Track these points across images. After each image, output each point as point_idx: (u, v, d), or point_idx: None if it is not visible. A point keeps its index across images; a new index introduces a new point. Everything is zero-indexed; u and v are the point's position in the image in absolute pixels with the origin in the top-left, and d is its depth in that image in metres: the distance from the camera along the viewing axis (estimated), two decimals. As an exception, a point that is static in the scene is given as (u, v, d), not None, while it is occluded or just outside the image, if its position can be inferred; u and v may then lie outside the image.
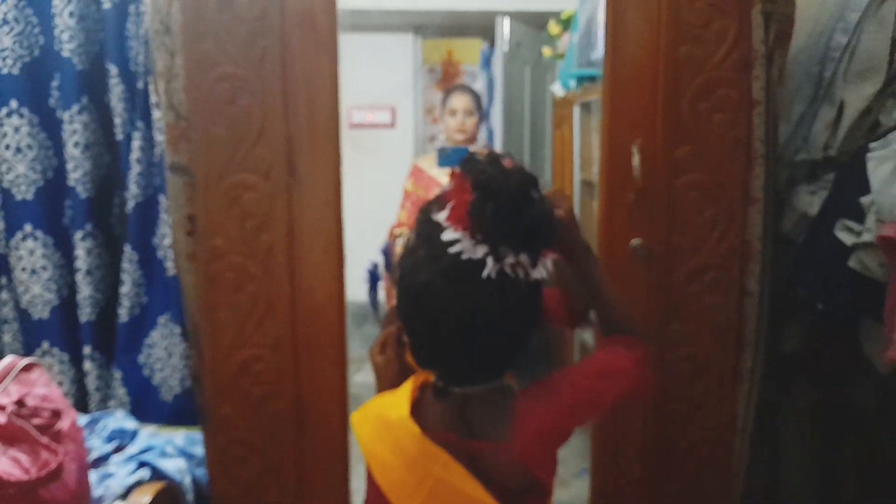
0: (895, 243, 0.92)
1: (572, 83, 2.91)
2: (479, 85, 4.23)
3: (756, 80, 1.22)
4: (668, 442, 1.36)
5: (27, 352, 1.78)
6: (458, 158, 2.42)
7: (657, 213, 1.30)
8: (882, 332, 1.14)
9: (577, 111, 2.99)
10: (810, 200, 1.32)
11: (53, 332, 1.78)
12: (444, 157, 2.24)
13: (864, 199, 1.02)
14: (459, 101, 2.41)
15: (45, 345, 1.77)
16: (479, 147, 2.53)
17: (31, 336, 1.79)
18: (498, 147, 3.53)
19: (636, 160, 1.26)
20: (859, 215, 1.05)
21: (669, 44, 1.23)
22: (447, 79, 4.60)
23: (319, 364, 1.32)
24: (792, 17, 1.24)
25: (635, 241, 1.30)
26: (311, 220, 1.29)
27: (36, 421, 1.20)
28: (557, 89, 3.21)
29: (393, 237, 2.49)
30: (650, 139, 1.27)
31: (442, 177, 2.41)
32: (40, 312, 1.77)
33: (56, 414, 1.24)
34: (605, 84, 1.28)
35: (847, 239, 1.07)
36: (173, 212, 1.31)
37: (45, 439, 1.17)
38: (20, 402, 1.18)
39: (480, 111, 2.47)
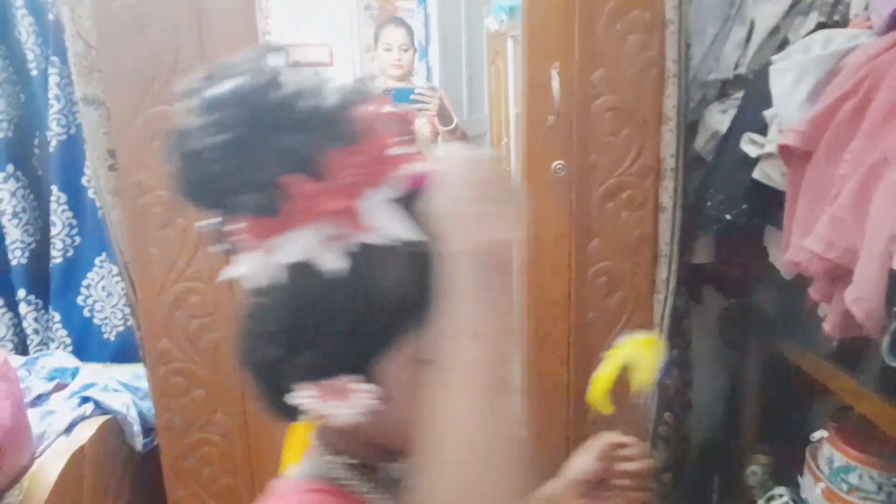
0: (793, 151, 0.99)
1: (504, 16, 2.89)
2: (416, 21, 4.15)
3: (668, -1, 1.26)
4: (588, 348, 1.45)
5: (-43, 298, 1.75)
6: (404, 99, 2.41)
7: (576, 136, 1.34)
8: (783, 239, 1.23)
9: (510, 44, 2.99)
10: (721, 119, 1.38)
11: (-18, 276, 1.75)
12: (391, 98, 2.23)
13: (768, 112, 1.08)
14: (394, 36, 2.38)
15: (-25, 290, 1.75)
16: (417, 83, 2.52)
17: (-41, 282, 1.76)
18: (436, 82, 3.50)
19: (556, 84, 1.29)
20: (764, 129, 1.12)
21: (585, -35, 1.25)
22: (383, 16, 4.49)
23: (254, 293, 1.35)
24: (701, -65, 1.27)
25: (557, 164, 1.35)
26: (236, 150, 1.28)
27: (-35, 361, 1.20)
28: (491, 23, 3.18)
29: None
30: (567, 63, 1.30)
31: None
32: (-34, 258, 1.73)
33: (-13, 353, 1.23)
34: (525, 11, 1.30)
35: (752, 151, 1.13)
36: (91, 147, 1.29)
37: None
38: (-52, 343, 1.18)
39: (414, 45, 2.44)
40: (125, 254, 1.34)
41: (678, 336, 1.47)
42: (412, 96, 2.22)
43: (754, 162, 1.17)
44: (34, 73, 1.67)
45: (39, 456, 1.32)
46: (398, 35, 2.38)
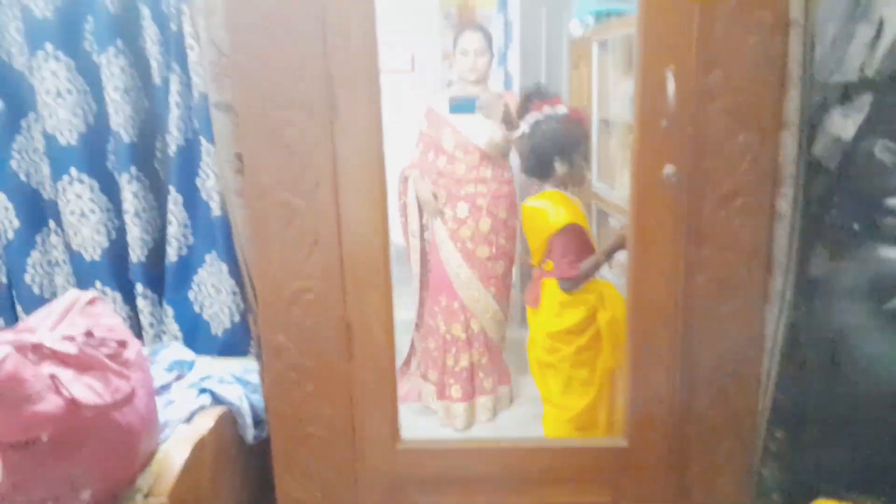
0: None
1: (590, 20, 2.88)
2: (496, 27, 4.17)
3: None
4: (695, 358, 1.42)
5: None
6: (469, 106, 2.50)
7: (689, 139, 1.32)
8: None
9: (595, 49, 2.97)
10: (843, 124, 1.33)
11: (105, 272, 1.87)
12: (456, 105, 2.27)
13: (906, 119, 1.04)
14: (470, 41, 2.41)
15: (98, 284, 1.87)
16: (490, 87, 2.54)
17: (83, 277, 1.88)
18: (515, 88, 3.51)
19: (671, 86, 1.28)
20: (897, 135, 1.07)
21: (705, -34, 1.23)
22: (463, 22, 4.54)
23: (366, 292, 1.39)
24: (830, -66, 1.23)
25: (668, 168, 1.33)
26: (355, 155, 1.33)
27: (104, 350, 1.28)
28: (574, 28, 3.17)
29: (404, 177, 2.54)
30: (683, 65, 1.29)
31: (455, 117, 2.43)
32: (91, 254, 1.85)
33: (122, 344, 1.32)
34: (640, 11, 1.29)
35: (888, 159, 1.09)
36: (220, 150, 1.36)
37: (115, 366, 1.26)
38: (88, 334, 1.26)
39: (491, 50, 2.46)
40: (246, 252, 1.40)
41: (795, 352, 1.42)
42: (477, 104, 2.25)
43: (890, 171, 1.12)
44: (157, 80, 1.77)
45: (164, 443, 1.40)
46: (475, 39, 2.41)
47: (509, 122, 2.31)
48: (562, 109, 1.93)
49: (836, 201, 1.23)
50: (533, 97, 1.95)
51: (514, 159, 3.18)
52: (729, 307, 1.40)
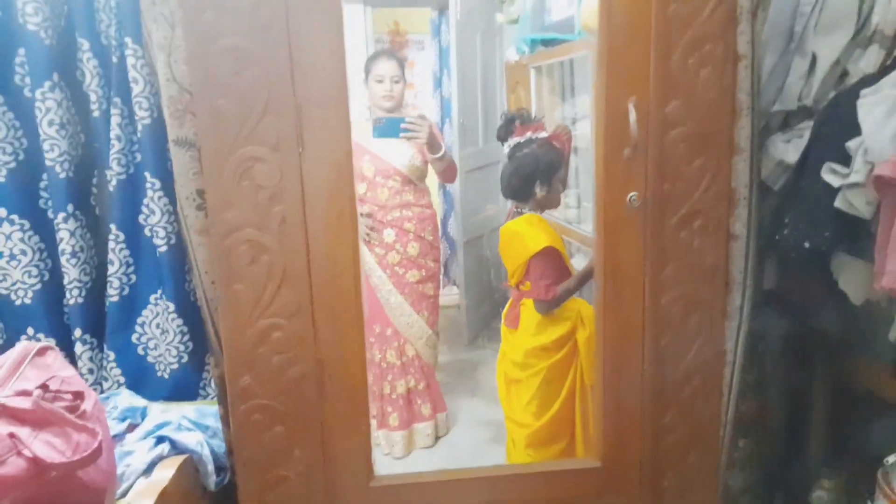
0: (888, 182, 1.03)
1: (526, 48, 2.97)
2: (430, 53, 4.22)
3: (742, 34, 1.30)
4: (663, 375, 1.47)
5: (11, 338, 1.73)
6: (394, 129, 2.50)
7: (650, 166, 1.38)
8: (856, 265, 1.27)
9: (532, 74, 3.07)
10: (785, 148, 1.43)
11: (37, 316, 1.73)
12: (380, 128, 2.26)
13: (851, 143, 1.13)
14: (385, 68, 2.43)
15: (30, 330, 1.73)
16: (407, 112, 2.57)
17: (12, 323, 1.74)
18: (453, 113, 3.56)
19: (633, 116, 1.33)
20: (843, 158, 1.16)
21: (660, 2, 1.29)
22: (394, 48, 4.56)
23: (339, 328, 1.36)
24: (774, -28, 1.33)
25: (632, 195, 1.38)
26: (324, 188, 1.30)
27: (60, 404, 1.19)
28: (511, 54, 3.26)
29: None
30: (643, 96, 1.34)
31: (372, 143, 2.42)
32: (22, 298, 1.72)
33: (79, 395, 1.23)
34: (601, 45, 1.34)
35: (834, 181, 1.18)
36: (181, 187, 1.30)
37: (78, 420, 1.17)
38: (43, 387, 1.17)
39: (405, 77, 2.49)
40: (208, 292, 1.34)
41: (753, 362, 1.49)
42: (402, 125, 2.27)
43: (835, 191, 1.21)
44: (96, 113, 1.68)
45: (121, 498, 1.31)
46: (390, 67, 2.44)
47: (433, 144, 2.34)
48: (542, 134, 1.97)
49: (787, 221, 1.31)
50: (515, 121, 1.99)
51: (433, 181, 3.20)
52: (693, 323, 1.46)
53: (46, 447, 1.08)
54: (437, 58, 4.08)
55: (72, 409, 1.18)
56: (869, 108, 1.10)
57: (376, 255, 2.46)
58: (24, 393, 1.09)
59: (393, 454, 2.52)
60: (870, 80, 1.19)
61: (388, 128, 2.26)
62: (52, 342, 1.75)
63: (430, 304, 2.54)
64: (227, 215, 1.29)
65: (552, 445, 1.98)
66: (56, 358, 1.25)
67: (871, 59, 1.36)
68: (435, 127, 2.41)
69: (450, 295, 3.77)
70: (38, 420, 1.10)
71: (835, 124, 1.21)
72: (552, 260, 1.95)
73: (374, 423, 2.55)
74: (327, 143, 1.29)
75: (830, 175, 1.21)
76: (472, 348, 3.48)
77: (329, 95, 1.28)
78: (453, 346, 3.38)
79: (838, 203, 1.20)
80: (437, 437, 2.60)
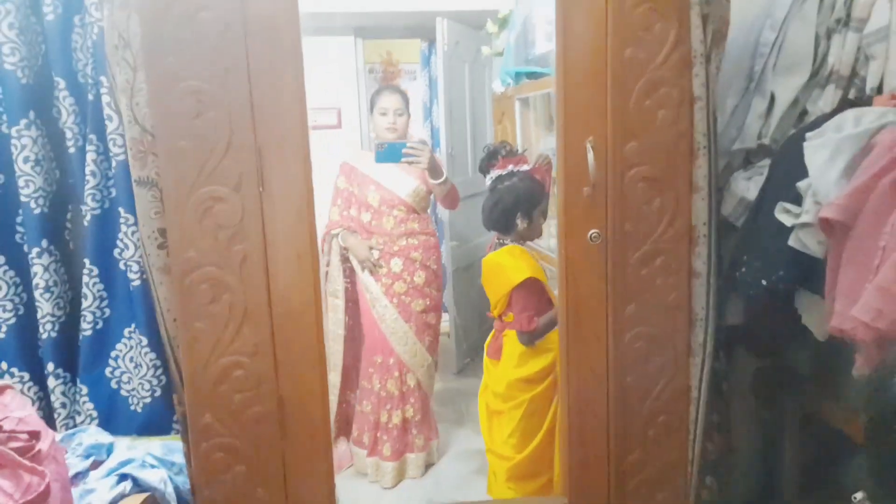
0: (833, 224, 1.03)
1: (510, 80, 3.01)
2: (420, 83, 4.28)
3: (696, 77, 1.32)
4: (628, 413, 1.47)
5: (-17, 374, 1.74)
6: (396, 153, 2.55)
7: (610, 205, 1.39)
8: (818, 302, 1.27)
9: (517, 105, 3.10)
10: (747, 186, 1.44)
11: (11, 351, 1.74)
12: (382, 153, 2.30)
13: (801, 184, 1.14)
14: (389, 101, 2.48)
15: (3, 365, 1.74)
16: (412, 141, 2.60)
17: (-14, 357, 1.75)
18: (442, 142, 3.60)
19: (590, 156, 1.34)
20: (796, 198, 1.17)
21: (615, 47, 1.31)
22: (387, 78, 4.63)
23: (300, 366, 1.36)
24: (727, 18, 1.35)
25: (593, 232, 1.39)
26: (285, 228, 1.32)
27: (14, 445, 1.19)
28: (497, 86, 3.31)
29: (330, 237, 2.54)
30: (601, 136, 1.36)
31: (377, 173, 2.47)
32: (-5, 333, 1.73)
33: (34, 435, 1.22)
34: (558, 87, 1.36)
35: (787, 220, 1.18)
36: (143, 226, 1.32)
37: (26, 462, 1.17)
38: (-3, 427, 1.17)
39: (409, 110, 2.54)
40: (171, 329, 1.35)
41: (717, 399, 1.49)
42: (404, 150, 2.29)
43: (789, 230, 1.22)
44: (72, 150, 1.71)
45: (81, 538, 1.30)
46: (393, 100, 2.50)
47: (434, 170, 2.36)
48: (524, 167, 1.99)
49: (745, 259, 1.32)
50: (497, 154, 2.01)
51: (439, 210, 3.22)
52: (657, 361, 1.46)
53: (-4, 489, 1.08)
54: (427, 88, 4.14)
55: (26, 451, 1.18)
56: (813, 150, 1.12)
57: (383, 284, 2.47)
58: (-24, 434, 1.10)
59: (381, 484, 2.50)
60: (821, 120, 1.21)
61: (390, 153, 2.29)
62: (25, 376, 1.76)
63: (431, 332, 2.56)
64: (189, 254, 1.30)
65: (533, 480, 1.96)
66: (14, 397, 1.25)
67: (828, 99, 1.37)
68: (434, 153, 2.44)
69: (440, 323, 3.78)
70: (-12, 461, 1.10)
71: (788, 165, 1.22)
72: (534, 291, 1.96)
73: (363, 451, 2.54)
74: (288, 183, 1.31)
75: (783, 214, 1.22)
76: (461, 377, 3.47)
77: (289, 137, 1.29)
78: (443, 375, 3.38)
79: (792, 242, 1.20)
80: (427, 467, 2.58)
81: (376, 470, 2.52)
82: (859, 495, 1.33)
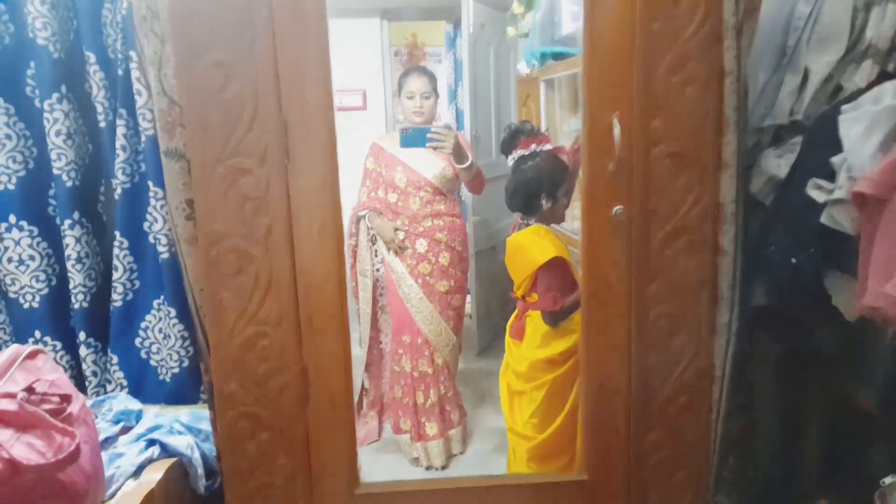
0: (867, 199, 1.01)
1: (535, 62, 2.98)
2: (446, 66, 4.26)
3: (728, 50, 1.30)
4: (649, 392, 1.46)
5: (19, 341, 1.79)
6: (421, 138, 2.54)
7: (635, 181, 1.37)
8: (850, 282, 1.24)
9: (542, 87, 3.07)
10: (777, 163, 1.41)
11: (44, 320, 1.79)
12: (407, 137, 2.29)
13: (836, 158, 1.11)
14: (416, 84, 2.47)
15: (37, 333, 1.79)
16: (437, 125, 2.59)
17: (20, 326, 1.80)
18: (467, 124, 3.59)
19: (617, 132, 1.33)
20: (828, 174, 1.14)
21: (643, 20, 1.29)
22: (412, 60, 4.62)
23: (323, 336, 1.38)
24: (759, -11, 1.31)
25: (617, 209, 1.38)
26: (309, 200, 1.33)
27: (46, 406, 1.23)
28: (522, 67, 3.27)
29: (357, 218, 2.55)
30: (627, 112, 1.34)
31: (404, 154, 2.47)
32: (30, 302, 1.78)
33: (65, 398, 1.26)
34: (585, 62, 1.34)
35: (819, 196, 1.16)
36: (171, 197, 1.34)
37: (58, 423, 1.20)
38: (30, 389, 1.21)
39: (437, 92, 2.52)
40: (197, 299, 1.38)
41: (742, 380, 1.47)
42: (429, 135, 2.28)
43: (821, 207, 1.19)
44: (102, 124, 1.74)
45: (110, 499, 1.34)
46: (420, 83, 2.48)
47: (459, 155, 2.36)
48: (547, 147, 1.97)
49: (774, 237, 1.29)
50: (520, 134, 1.99)
51: (463, 192, 3.22)
52: (680, 340, 1.44)
53: (27, 449, 1.12)
54: (452, 70, 4.12)
55: (57, 412, 1.22)
56: (849, 124, 1.09)
57: (408, 265, 2.48)
58: (10, 395, 1.13)
59: (434, 466, 2.48)
60: (855, 95, 1.17)
61: (415, 137, 2.29)
62: (57, 345, 1.82)
63: (455, 314, 2.56)
64: (215, 225, 1.32)
65: (554, 460, 1.96)
66: (46, 361, 1.29)
67: (864, 75, 1.33)
68: (461, 137, 2.42)
69: (465, 304, 3.79)
70: (21, 422, 1.14)
71: (821, 140, 1.19)
72: (560, 271, 1.94)
73: (408, 437, 2.53)
74: (313, 156, 1.32)
75: (815, 191, 1.19)
76: (482, 357, 3.48)
77: (315, 110, 1.30)
78: (464, 356, 3.39)
79: (824, 219, 1.17)
80: (465, 445, 2.59)
81: (426, 454, 2.50)
82: (888, 479, 1.31)
